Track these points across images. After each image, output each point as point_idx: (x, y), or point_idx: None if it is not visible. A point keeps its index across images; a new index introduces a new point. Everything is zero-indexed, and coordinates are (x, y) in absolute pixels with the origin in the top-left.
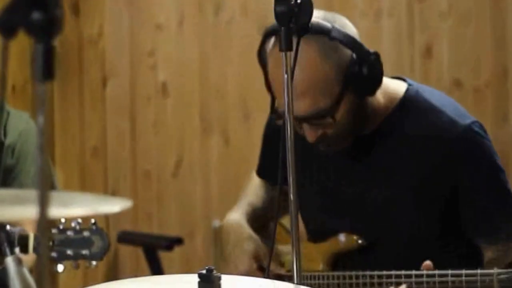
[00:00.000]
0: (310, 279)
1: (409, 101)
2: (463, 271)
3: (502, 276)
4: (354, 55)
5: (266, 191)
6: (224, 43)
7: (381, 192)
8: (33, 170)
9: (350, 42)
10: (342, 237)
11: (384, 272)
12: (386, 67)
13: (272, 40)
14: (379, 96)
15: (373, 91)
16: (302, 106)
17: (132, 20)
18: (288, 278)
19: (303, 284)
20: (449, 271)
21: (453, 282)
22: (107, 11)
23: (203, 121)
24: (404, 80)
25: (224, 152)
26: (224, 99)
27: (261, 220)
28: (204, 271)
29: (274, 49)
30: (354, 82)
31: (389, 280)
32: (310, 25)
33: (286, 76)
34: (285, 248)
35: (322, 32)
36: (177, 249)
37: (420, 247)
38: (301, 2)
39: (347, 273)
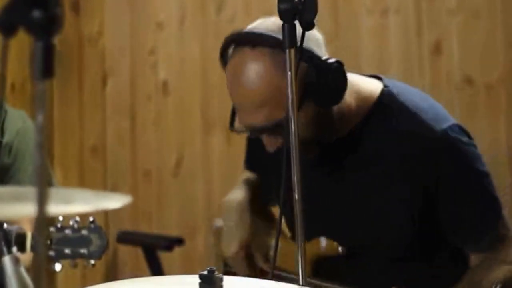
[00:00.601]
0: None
1: (383, 105)
2: None
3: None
4: (310, 66)
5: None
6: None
7: (356, 199)
8: (30, 169)
9: (304, 53)
10: (323, 241)
11: None
12: (393, 65)
13: (231, 50)
14: (351, 100)
15: (335, 101)
16: (258, 118)
17: (132, 18)
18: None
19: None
20: None
21: None
22: (107, 9)
23: (204, 120)
24: (380, 79)
25: (226, 151)
26: (226, 98)
27: (260, 211)
28: (205, 272)
29: (232, 61)
30: (312, 93)
31: None
32: (261, 37)
33: (289, 73)
34: (272, 245)
35: (276, 44)
36: (177, 249)
37: (399, 256)
38: (305, 0)
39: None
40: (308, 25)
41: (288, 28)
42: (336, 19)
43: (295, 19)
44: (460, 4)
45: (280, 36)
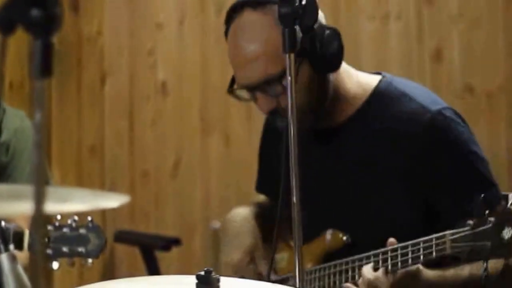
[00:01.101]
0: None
1: (381, 92)
2: (421, 239)
3: (454, 236)
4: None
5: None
6: (224, 42)
7: (357, 184)
8: (27, 167)
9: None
10: (328, 235)
11: (356, 257)
12: (393, 71)
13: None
14: (350, 85)
15: (330, 68)
16: (253, 73)
17: (131, 18)
18: (280, 282)
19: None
20: (409, 242)
21: (412, 252)
22: (106, 9)
23: (203, 121)
24: (381, 74)
25: (224, 153)
26: (225, 99)
27: (266, 228)
28: (202, 273)
29: (231, 25)
30: (308, 55)
31: (360, 263)
32: None
33: (289, 78)
34: (278, 256)
35: (275, 2)
36: (175, 250)
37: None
38: (305, 4)
39: (324, 265)
40: (308, 30)
41: (289, 32)
42: (337, 24)
43: (296, 24)
44: (462, 11)
45: None
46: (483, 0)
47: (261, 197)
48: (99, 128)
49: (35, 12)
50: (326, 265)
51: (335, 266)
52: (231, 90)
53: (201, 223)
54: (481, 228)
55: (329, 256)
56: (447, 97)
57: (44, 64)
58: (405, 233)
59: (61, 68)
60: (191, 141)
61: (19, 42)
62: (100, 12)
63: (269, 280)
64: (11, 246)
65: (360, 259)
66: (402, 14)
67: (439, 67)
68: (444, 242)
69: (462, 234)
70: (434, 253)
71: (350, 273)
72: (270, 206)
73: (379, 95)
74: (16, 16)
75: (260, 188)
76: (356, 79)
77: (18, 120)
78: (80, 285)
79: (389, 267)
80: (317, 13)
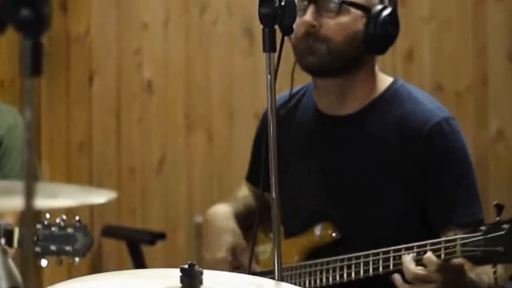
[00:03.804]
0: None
1: (394, 90)
2: (428, 241)
3: (465, 241)
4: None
5: (254, 199)
6: (209, 42)
7: (356, 176)
8: (18, 164)
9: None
10: (317, 230)
11: (354, 255)
12: None
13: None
14: (367, 77)
15: (377, 49)
16: None
17: (118, 19)
18: (261, 274)
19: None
20: (415, 244)
21: (418, 253)
22: (94, 9)
23: (187, 119)
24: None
25: (207, 150)
26: (208, 98)
27: (246, 223)
28: (186, 266)
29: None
30: (370, 20)
31: (357, 261)
32: None
33: (269, 77)
34: (260, 249)
35: None
36: (160, 244)
37: (392, 242)
38: (285, 4)
39: (317, 260)
40: (287, 30)
41: (268, 32)
42: None
43: (275, 24)
44: (433, 13)
45: None
46: (453, 2)
47: (244, 190)
48: (87, 125)
49: (25, 12)
50: (318, 261)
51: (327, 263)
52: None
53: (185, 218)
54: (494, 234)
55: (317, 250)
56: None
57: (34, 63)
58: (399, 231)
59: (50, 67)
60: (176, 138)
61: (11, 41)
62: (88, 12)
63: (249, 272)
64: (2, 241)
65: (357, 257)
66: None
67: (410, 66)
68: (454, 246)
69: (474, 239)
70: (442, 256)
71: (345, 270)
72: (252, 199)
73: (392, 93)
74: (6, 16)
75: (249, 179)
76: (374, 71)
77: (12, 117)
78: (69, 278)
79: (442, 255)
80: (295, 13)
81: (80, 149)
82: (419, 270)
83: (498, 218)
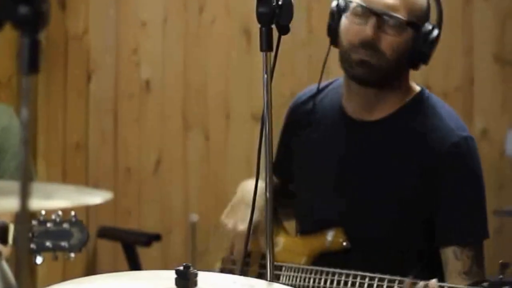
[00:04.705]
0: (288, 270)
1: (421, 101)
2: (446, 284)
3: None
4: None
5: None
6: (207, 42)
7: (375, 182)
8: (12, 165)
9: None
10: (329, 236)
11: (361, 273)
12: None
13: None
14: (400, 88)
15: (417, 65)
16: (390, 1)
17: (117, 17)
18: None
19: (280, 274)
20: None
21: None
22: (92, 7)
23: (184, 119)
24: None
25: (204, 150)
26: (205, 98)
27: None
28: (181, 268)
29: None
30: (419, 39)
31: (371, 282)
32: None
33: (265, 76)
34: (275, 240)
35: None
36: (155, 245)
37: (399, 257)
38: (282, 4)
39: (323, 269)
40: (284, 29)
41: (266, 31)
42: (310, 27)
43: (273, 23)
44: None
45: None
46: (442, 2)
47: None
48: (84, 125)
49: (23, 9)
50: (325, 269)
51: (333, 274)
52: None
53: (180, 219)
54: None
55: (325, 256)
56: None
57: (32, 60)
58: (404, 243)
59: (47, 65)
60: (172, 139)
61: (8, 39)
62: (86, 10)
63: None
64: None
65: (363, 277)
66: None
67: None
68: None
69: None
70: None
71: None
72: (283, 187)
73: (418, 104)
74: (4, 13)
75: (275, 170)
76: (405, 79)
77: (7, 118)
78: (64, 279)
79: None
80: (292, 13)
81: (76, 149)
82: None
83: (501, 277)
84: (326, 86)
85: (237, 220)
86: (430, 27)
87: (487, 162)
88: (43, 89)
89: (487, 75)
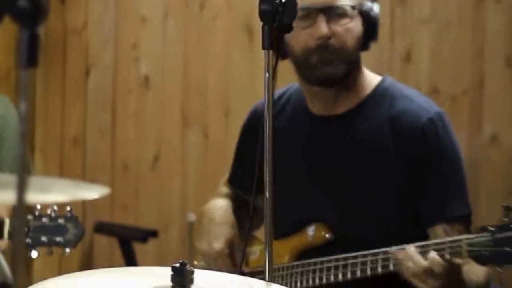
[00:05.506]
0: (275, 271)
1: (384, 89)
2: (432, 241)
3: (471, 241)
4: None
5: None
6: (207, 38)
7: (348, 176)
8: (9, 155)
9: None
10: (310, 231)
11: (350, 254)
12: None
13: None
14: (356, 77)
15: (366, 45)
16: None
17: (117, 12)
18: (250, 275)
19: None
20: (419, 243)
21: (421, 253)
22: (92, 1)
23: (183, 116)
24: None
25: (203, 147)
26: (205, 95)
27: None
28: (177, 265)
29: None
30: (365, 19)
31: (354, 260)
32: None
33: (267, 75)
34: (251, 250)
35: None
36: (152, 242)
37: (385, 243)
38: (285, 2)
39: (307, 261)
40: (286, 28)
41: (268, 29)
42: None
43: (275, 21)
44: (433, 14)
45: None
46: (454, 3)
47: (224, 190)
48: (82, 120)
49: (22, 3)
50: (311, 261)
51: (321, 262)
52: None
53: (178, 216)
54: (502, 235)
55: (309, 251)
56: None
57: (30, 54)
58: (392, 231)
59: (46, 59)
60: (171, 135)
61: (6, 32)
62: (86, 4)
63: (240, 272)
64: None
65: (355, 257)
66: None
67: (407, 68)
68: (460, 246)
69: (481, 239)
70: (447, 256)
71: (335, 270)
72: (237, 199)
73: (382, 91)
74: (3, 6)
75: (232, 182)
76: (363, 71)
77: (3, 107)
78: (60, 274)
79: (447, 256)
80: (296, 11)
81: (74, 143)
82: (428, 262)
83: (506, 219)
84: (284, 93)
85: (210, 240)
86: (369, 3)
87: (497, 168)
88: (41, 83)
89: (497, 78)
